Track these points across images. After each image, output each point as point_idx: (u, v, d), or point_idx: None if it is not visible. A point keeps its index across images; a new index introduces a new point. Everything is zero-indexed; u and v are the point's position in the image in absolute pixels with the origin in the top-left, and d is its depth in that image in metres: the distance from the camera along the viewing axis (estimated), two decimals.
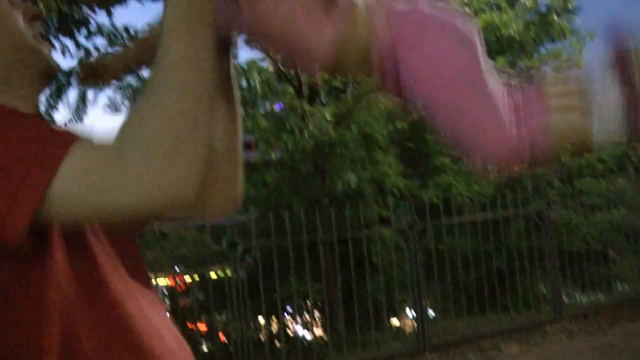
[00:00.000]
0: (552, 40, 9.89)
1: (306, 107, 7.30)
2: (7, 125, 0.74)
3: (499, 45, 9.04)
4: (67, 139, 0.71)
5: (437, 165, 8.78)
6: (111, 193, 0.70)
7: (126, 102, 10.45)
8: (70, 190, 0.69)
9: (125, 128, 0.72)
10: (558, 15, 9.70)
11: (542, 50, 10.59)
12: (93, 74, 0.97)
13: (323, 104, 8.53)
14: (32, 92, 0.88)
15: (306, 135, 6.63)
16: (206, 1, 0.76)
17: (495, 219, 6.70)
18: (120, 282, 0.83)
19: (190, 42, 0.74)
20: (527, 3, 8.94)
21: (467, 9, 8.16)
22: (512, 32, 8.49)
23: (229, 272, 5.99)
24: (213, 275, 6.60)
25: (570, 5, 10.02)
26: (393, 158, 8.23)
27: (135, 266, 0.90)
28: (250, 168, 7.45)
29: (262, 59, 9.48)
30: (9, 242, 0.68)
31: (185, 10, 0.75)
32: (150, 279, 0.97)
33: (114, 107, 11.08)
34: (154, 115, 0.71)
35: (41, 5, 5.32)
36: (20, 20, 0.84)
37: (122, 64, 0.97)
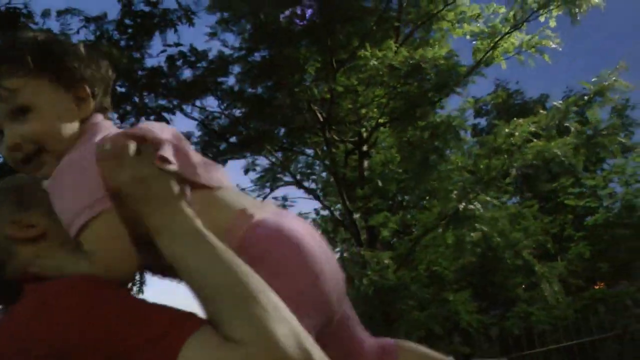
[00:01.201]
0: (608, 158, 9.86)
1: (366, 253, 7.54)
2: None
3: (550, 173, 9.13)
4: (192, 324, 0.72)
5: (511, 296, 8.60)
6: None
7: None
8: None
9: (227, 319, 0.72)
10: (615, 134, 9.72)
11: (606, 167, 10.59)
12: None
13: (390, 247, 8.75)
14: None
15: (364, 282, 6.81)
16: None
17: (570, 345, 6.46)
18: None
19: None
20: (573, 128, 9.06)
21: (513, 139, 8.46)
22: (563, 158, 8.59)
23: None
24: None
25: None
26: (465, 294, 8.14)
27: None
28: None
29: (323, 209, 10.00)
30: None
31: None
32: None
33: None
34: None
35: None
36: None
37: None
